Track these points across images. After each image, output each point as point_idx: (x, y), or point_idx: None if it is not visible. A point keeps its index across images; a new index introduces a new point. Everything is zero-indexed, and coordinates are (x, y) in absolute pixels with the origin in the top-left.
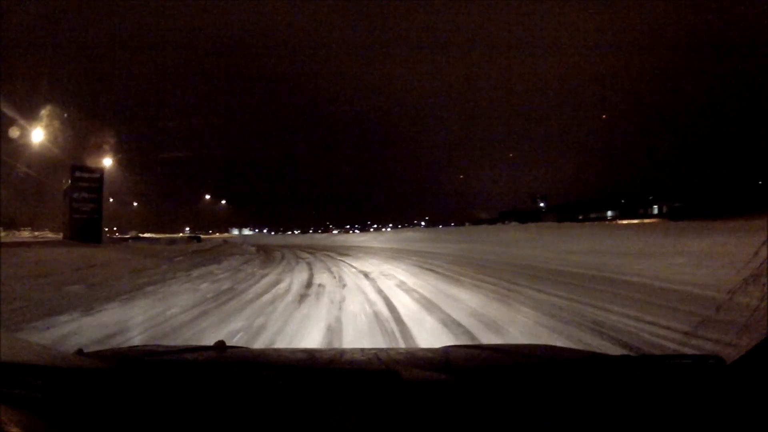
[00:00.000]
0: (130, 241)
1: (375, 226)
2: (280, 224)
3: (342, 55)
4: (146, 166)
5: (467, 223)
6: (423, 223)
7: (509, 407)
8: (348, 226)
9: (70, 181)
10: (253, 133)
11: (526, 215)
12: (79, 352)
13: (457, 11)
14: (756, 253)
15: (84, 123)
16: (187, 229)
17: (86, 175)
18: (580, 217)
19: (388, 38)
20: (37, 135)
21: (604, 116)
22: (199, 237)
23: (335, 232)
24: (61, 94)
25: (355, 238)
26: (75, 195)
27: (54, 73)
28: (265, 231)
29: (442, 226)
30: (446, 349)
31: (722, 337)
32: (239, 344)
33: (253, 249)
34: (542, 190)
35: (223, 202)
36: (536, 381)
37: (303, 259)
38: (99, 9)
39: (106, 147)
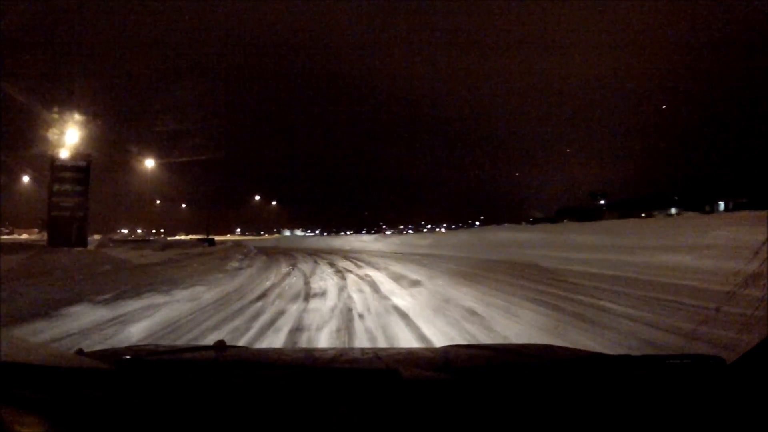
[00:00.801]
0: (111, 244)
1: (429, 226)
2: (332, 225)
3: (398, 54)
4: (194, 168)
5: (523, 223)
6: (477, 223)
7: (509, 407)
8: (402, 227)
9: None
10: (306, 134)
11: (585, 213)
12: (79, 351)
13: (515, 10)
14: (756, 253)
15: (127, 123)
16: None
17: (69, 164)
18: (643, 215)
19: (440, 37)
20: (72, 136)
21: (663, 107)
22: (212, 240)
23: (388, 233)
24: (102, 93)
25: (415, 240)
26: (55, 188)
27: (96, 72)
28: (317, 232)
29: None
30: (446, 349)
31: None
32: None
33: (262, 258)
34: (600, 187)
35: (274, 203)
36: (536, 381)
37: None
38: (152, 9)
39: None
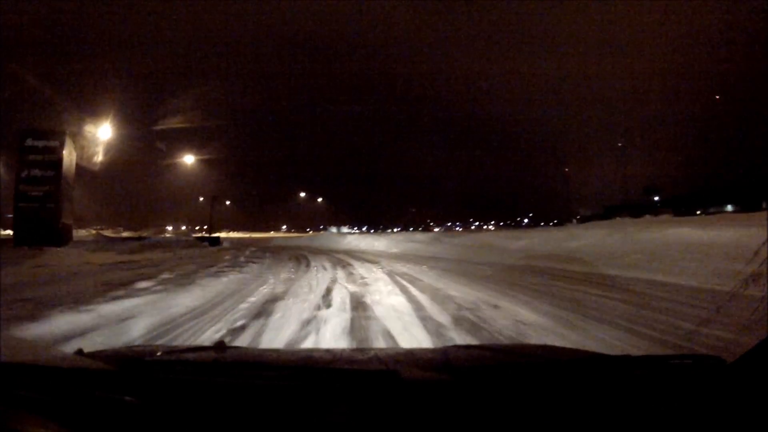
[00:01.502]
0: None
1: (477, 223)
2: (380, 222)
3: (444, 55)
4: (240, 165)
5: (574, 220)
6: (526, 221)
7: (509, 407)
8: (449, 224)
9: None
10: (352, 131)
11: (639, 209)
12: (79, 352)
13: (565, 9)
14: (756, 253)
15: (167, 122)
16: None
17: (40, 144)
18: (698, 212)
19: (482, 36)
20: (104, 132)
21: (717, 97)
22: (216, 239)
23: (436, 230)
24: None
25: (461, 239)
26: (23, 174)
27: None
28: (363, 229)
29: (544, 224)
30: (446, 349)
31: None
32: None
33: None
34: (653, 182)
35: (320, 199)
36: (536, 381)
37: None
38: (198, 10)
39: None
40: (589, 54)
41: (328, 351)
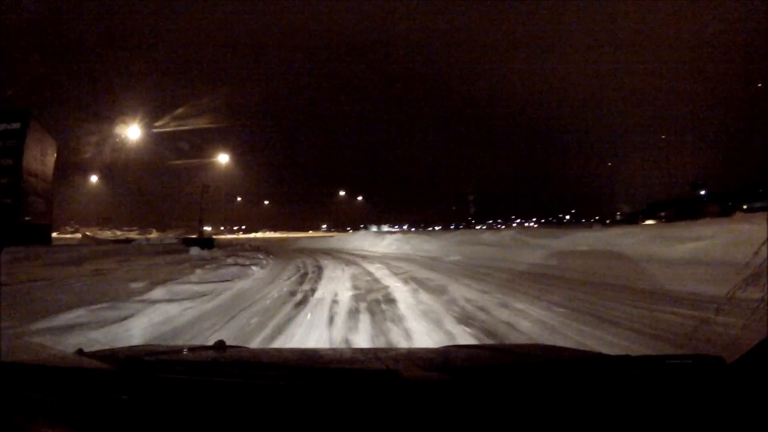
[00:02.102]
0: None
1: (518, 220)
2: (421, 221)
3: (488, 54)
4: (280, 165)
5: (617, 217)
6: (567, 217)
7: (509, 407)
8: (491, 221)
9: None
10: (392, 129)
11: (685, 205)
12: (79, 351)
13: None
14: (756, 253)
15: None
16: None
17: None
18: (744, 207)
19: (524, 36)
20: (134, 132)
21: (759, 85)
22: (210, 240)
23: (479, 227)
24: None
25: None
26: None
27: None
28: (404, 228)
29: (585, 221)
30: (446, 349)
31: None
32: None
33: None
34: (700, 177)
35: (360, 198)
36: (536, 381)
37: None
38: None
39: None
40: (630, 50)
41: (328, 350)
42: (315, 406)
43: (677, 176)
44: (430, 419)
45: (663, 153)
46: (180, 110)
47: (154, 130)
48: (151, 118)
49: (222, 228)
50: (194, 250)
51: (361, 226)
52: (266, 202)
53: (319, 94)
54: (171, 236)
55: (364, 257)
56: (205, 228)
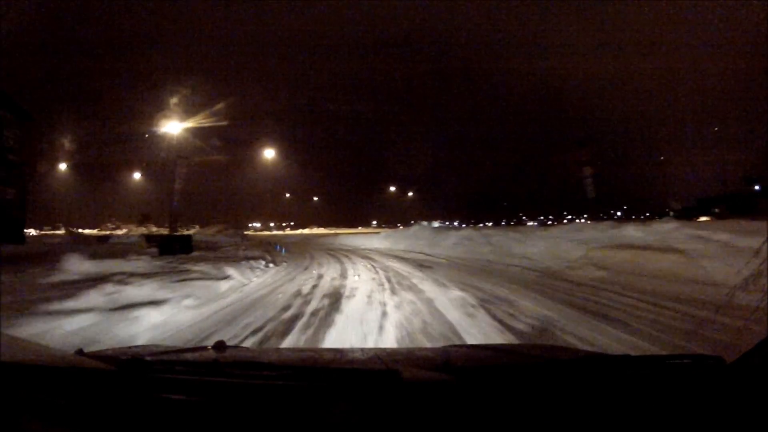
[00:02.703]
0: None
1: (570, 217)
2: (471, 217)
3: (538, 48)
4: (328, 162)
5: (671, 213)
6: (619, 213)
7: (509, 407)
8: (542, 218)
9: None
10: (442, 124)
11: (737, 201)
12: (79, 352)
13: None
14: (756, 253)
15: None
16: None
17: None
18: None
19: (573, 32)
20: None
21: None
22: (186, 239)
23: (530, 224)
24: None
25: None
26: None
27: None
28: (455, 224)
29: (635, 218)
30: (446, 349)
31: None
32: None
33: None
34: (755, 170)
35: (410, 194)
36: (536, 381)
37: None
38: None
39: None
40: (678, 41)
41: (328, 350)
42: (315, 407)
43: (728, 171)
44: (430, 419)
45: (714, 146)
46: (225, 107)
47: (198, 124)
48: (196, 115)
49: (272, 224)
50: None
51: (411, 222)
52: (315, 199)
53: (367, 90)
54: (141, 233)
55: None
56: (254, 224)
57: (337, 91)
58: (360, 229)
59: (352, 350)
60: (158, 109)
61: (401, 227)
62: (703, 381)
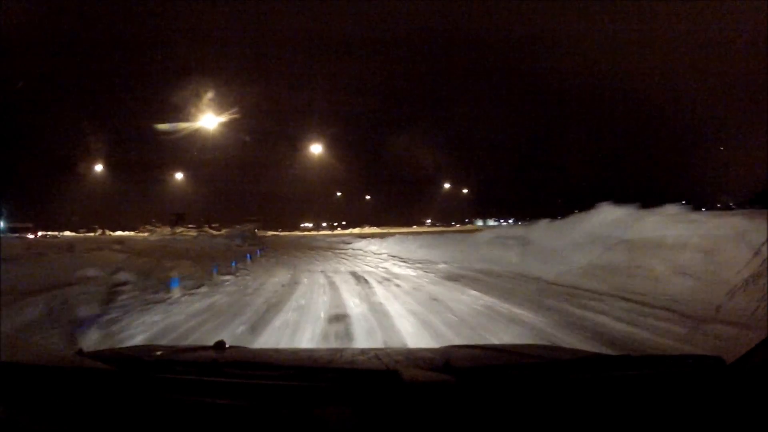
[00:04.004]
0: None
1: None
2: (527, 214)
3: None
4: (381, 160)
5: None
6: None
7: (510, 408)
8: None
9: None
10: (498, 118)
11: None
12: (79, 352)
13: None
14: (756, 253)
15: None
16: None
17: None
18: None
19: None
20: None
21: None
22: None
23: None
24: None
25: None
26: None
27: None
28: (510, 222)
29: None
30: (446, 349)
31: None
32: None
33: None
34: None
35: (465, 191)
36: (537, 381)
37: None
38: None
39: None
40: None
41: (328, 351)
42: (315, 407)
43: None
44: (430, 420)
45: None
46: (269, 104)
47: (228, 117)
48: (240, 113)
49: (323, 224)
50: None
51: (466, 220)
52: (367, 197)
53: (418, 88)
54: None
55: None
56: (306, 224)
57: (391, 89)
58: (414, 228)
59: (352, 350)
60: (203, 106)
61: (457, 225)
62: (704, 381)
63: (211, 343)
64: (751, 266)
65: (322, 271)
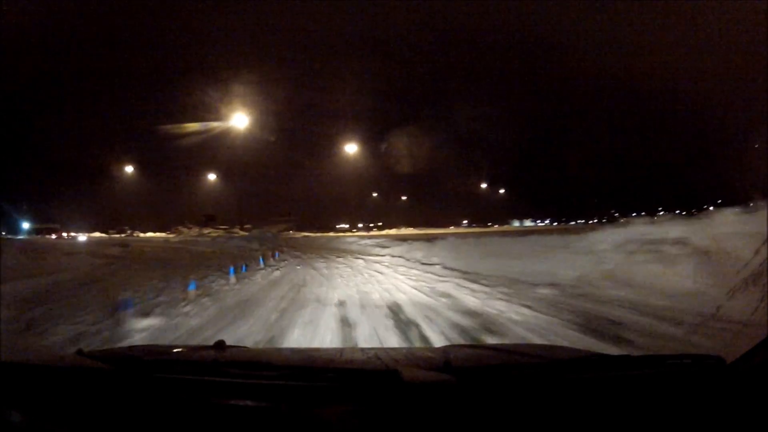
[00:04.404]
0: None
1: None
2: (563, 214)
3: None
4: (418, 159)
5: None
6: (711, 208)
7: (510, 407)
8: (634, 214)
9: None
10: (533, 116)
11: None
12: (79, 352)
13: None
14: (756, 253)
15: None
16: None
17: None
18: None
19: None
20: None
21: None
22: None
23: (623, 221)
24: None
25: None
26: None
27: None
28: (546, 222)
29: None
30: (446, 349)
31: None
32: None
33: None
34: None
35: (502, 191)
36: (537, 381)
37: None
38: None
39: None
40: None
41: (328, 350)
42: (315, 407)
43: None
44: (430, 420)
45: None
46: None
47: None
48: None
49: (359, 225)
50: None
51: (511, 220)
52: (403, 198)
53: (456, 87)
54: None
55: None
56: (342, 225)
57: (425, 89)
58: (453, 229)
59: (352, 350)
60: (236, 105)
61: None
62: (704, 381)
63: None
64: None
65: (339, 303)
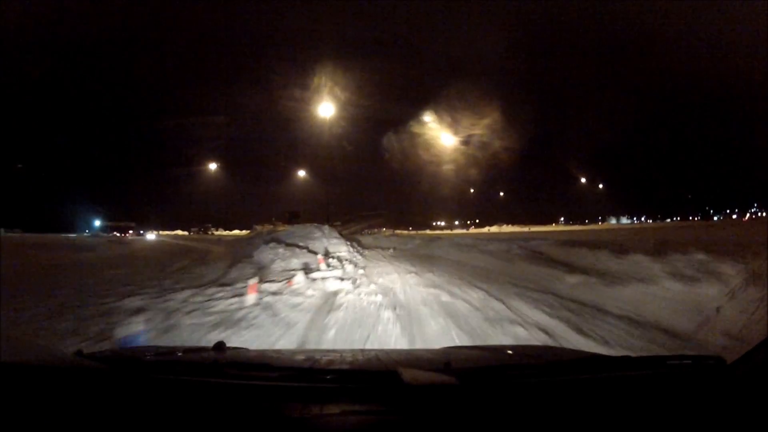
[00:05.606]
0: None
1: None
2: (659, 212)
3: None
4: (516, 153)
5: None
6: None
7: (511, 408)
8: (727, 211)
9: None
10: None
11: None
12: (79, 352)
13: None
14: (756, 253)
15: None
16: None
17: None
18: None
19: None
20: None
21: None
22: None
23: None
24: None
25: None
26: None
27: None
28: (641, 219)
29: None
30: (446, 350)
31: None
32: None
33: None
34: None
35: (600, 186)
36: (537, 382)
37: None
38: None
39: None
40: None
41: (328, 351)
42: (315, 408)
43: None
44: (430, 420)
45: None
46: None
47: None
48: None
49: (456, 222)
50: None
51: (610, 218)
52: (501, 194)
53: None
54: None
55: None
56: (438, 222)
57: (523, 84)
58: (553, 227)
59: (353, 351)
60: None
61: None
62: (704, 381)
63: None
64: None
65: None
